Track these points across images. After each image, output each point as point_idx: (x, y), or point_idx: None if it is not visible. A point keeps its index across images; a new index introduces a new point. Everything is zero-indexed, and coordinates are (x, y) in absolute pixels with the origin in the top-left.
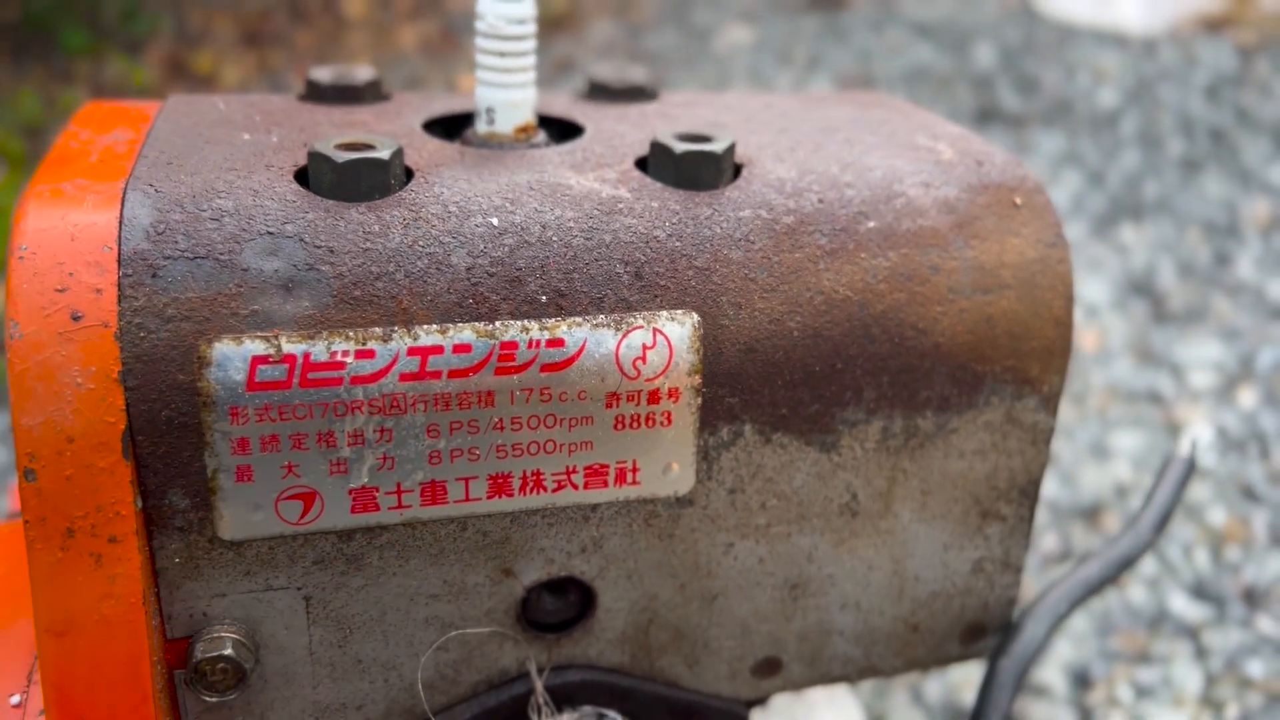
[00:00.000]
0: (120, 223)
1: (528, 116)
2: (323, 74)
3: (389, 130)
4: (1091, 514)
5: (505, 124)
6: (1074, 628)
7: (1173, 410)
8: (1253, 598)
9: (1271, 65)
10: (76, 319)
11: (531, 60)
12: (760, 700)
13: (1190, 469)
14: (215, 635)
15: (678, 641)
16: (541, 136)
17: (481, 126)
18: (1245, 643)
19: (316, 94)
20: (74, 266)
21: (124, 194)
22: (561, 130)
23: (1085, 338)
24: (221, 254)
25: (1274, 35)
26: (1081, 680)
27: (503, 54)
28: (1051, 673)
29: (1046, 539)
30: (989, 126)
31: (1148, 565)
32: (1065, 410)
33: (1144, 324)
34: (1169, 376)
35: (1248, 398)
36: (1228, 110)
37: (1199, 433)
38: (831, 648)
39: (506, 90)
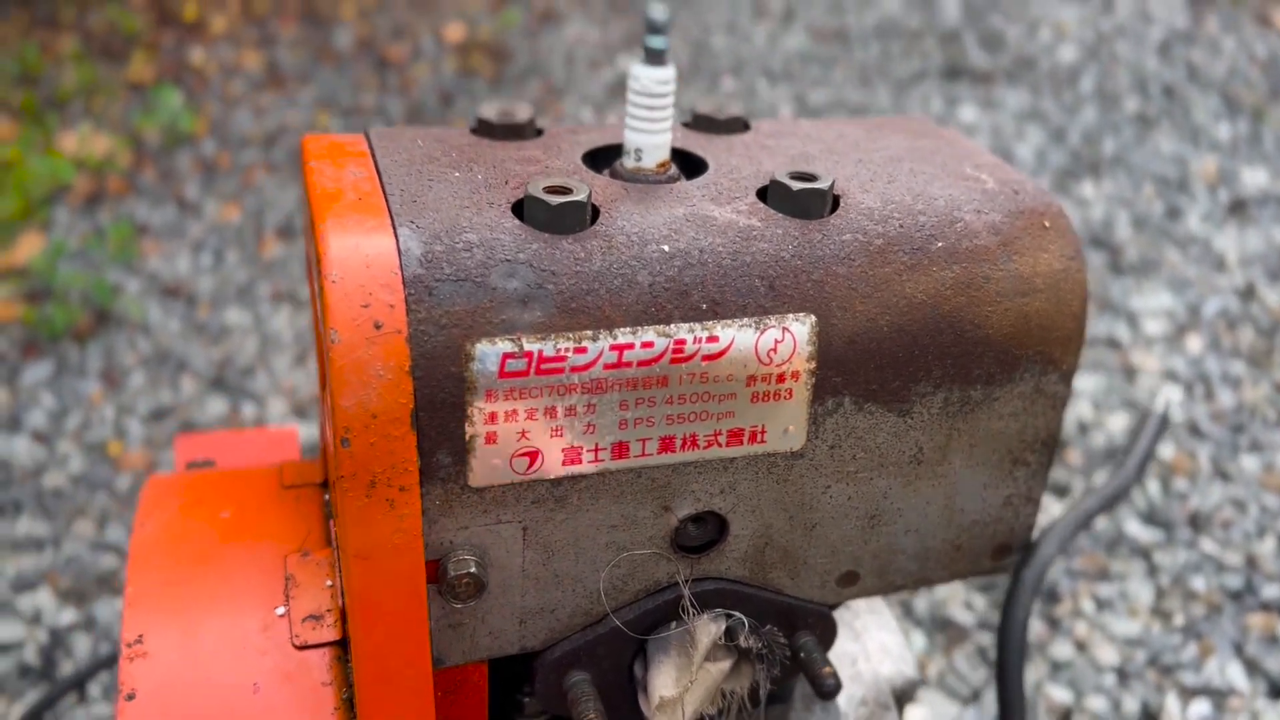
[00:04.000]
0: (399, 253)
1: (666, 155)
2: (490, 113)
3: (560, 165)
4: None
5: (650, 161)
6: None
7: (1129, 355)
8: (1197, 522)
9: (1221, 23)
10: (378, 327)
11: (671, 111)
12: (839, 604)
13: (1165, 422)
14: (461, 557)
15: (785, 559)
16: (674, 169)
17: (629, 162)
18: (1190, 561)
19: (488, 131)
20: (372, 288)
21: (394, 229)
22: (684, 160)
23: None
24: (476, 277)
25: None
26: (1051, 596)
27: (650, 107)
28: None
29: None
30: (958, 85)
31: None
32: None
33: (1103, 274)
34: (1125, 325)
35: (1194, 344)
36: (1180, 67)
37: (1169, 393)
38: (896, 564)
39: (652, 135)
